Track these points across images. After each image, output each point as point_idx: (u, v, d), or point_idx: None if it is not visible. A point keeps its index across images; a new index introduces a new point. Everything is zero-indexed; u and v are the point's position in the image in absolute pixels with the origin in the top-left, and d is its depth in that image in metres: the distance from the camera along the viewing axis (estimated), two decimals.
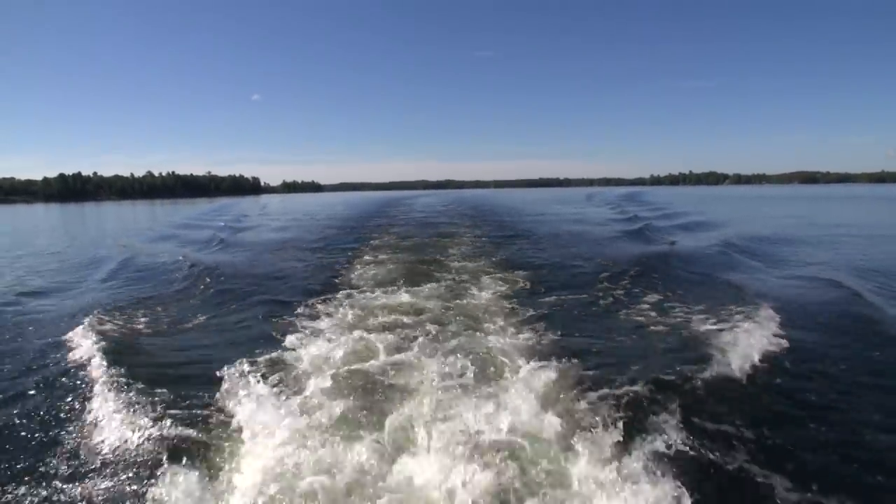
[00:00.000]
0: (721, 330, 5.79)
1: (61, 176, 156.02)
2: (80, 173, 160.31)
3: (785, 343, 5.36)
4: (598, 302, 7.83)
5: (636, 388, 4.32)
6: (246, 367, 5.08)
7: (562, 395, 4.31)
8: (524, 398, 4.23)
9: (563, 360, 5.09)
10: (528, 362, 5.06)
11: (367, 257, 12.41)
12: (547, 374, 4.72)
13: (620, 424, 3.75)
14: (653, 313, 7.05)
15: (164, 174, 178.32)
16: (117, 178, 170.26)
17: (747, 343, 5.20)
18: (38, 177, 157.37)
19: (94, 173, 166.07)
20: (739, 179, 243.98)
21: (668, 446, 3.52)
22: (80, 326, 6.35)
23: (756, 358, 4.90)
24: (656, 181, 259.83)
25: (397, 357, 5.36)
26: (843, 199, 51.70)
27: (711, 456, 3.49)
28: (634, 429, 3.71)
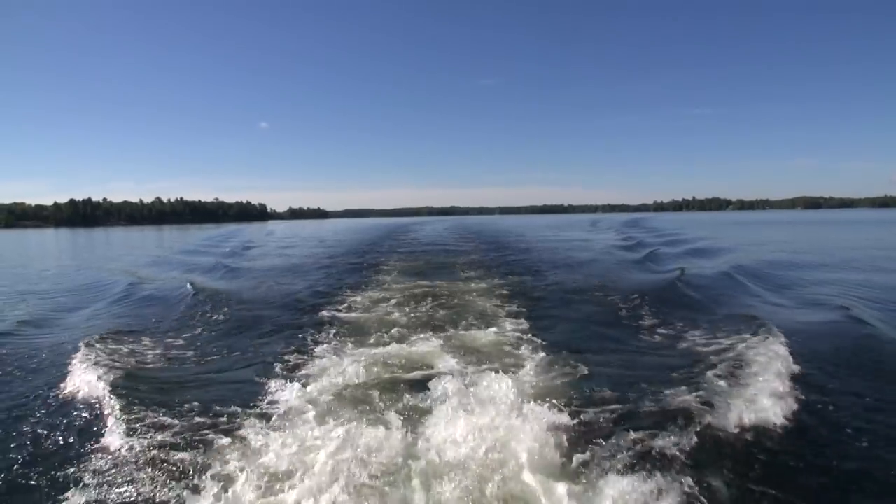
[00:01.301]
0: (732, 359, 5.68)
1: (72, 201, 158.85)
2: (90, 199, 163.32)
3: (797, 373, 5.25)
4: (606, 330, 7.73)
5: (643, 417, 4.24)
6: (250, 394, 5.02)
7: (565, 421, 4.23)
8: (528, 427, 4.14)
9: (569, 387, 5.03)
10: (534, 387, 5.00)
11: (373, 283, 12.39)
12: (552, 400, 4.65)
13: (626, 453, 3.68)
14: (662, 341, 6.96)
15: (172, 200, 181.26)
16: (126, 203, 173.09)
17: (759, 373, 5.09)
18: (45, 201, 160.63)
19: (104, 199, 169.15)
20: (743, 205, 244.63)
21: (675, 479, 3.41)
22: (82, 353, 6.31)
23: (767, 390, 4.77)
24: (660, 207, 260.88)
25: (404, 379, 5.34)
26: (847, 223, 51.66)
27: (718, 487, 3.38)
28: (639, 458, 3.62)
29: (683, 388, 4.87)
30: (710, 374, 5.25)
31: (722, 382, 4.88)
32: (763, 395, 4.65)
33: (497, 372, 5.18)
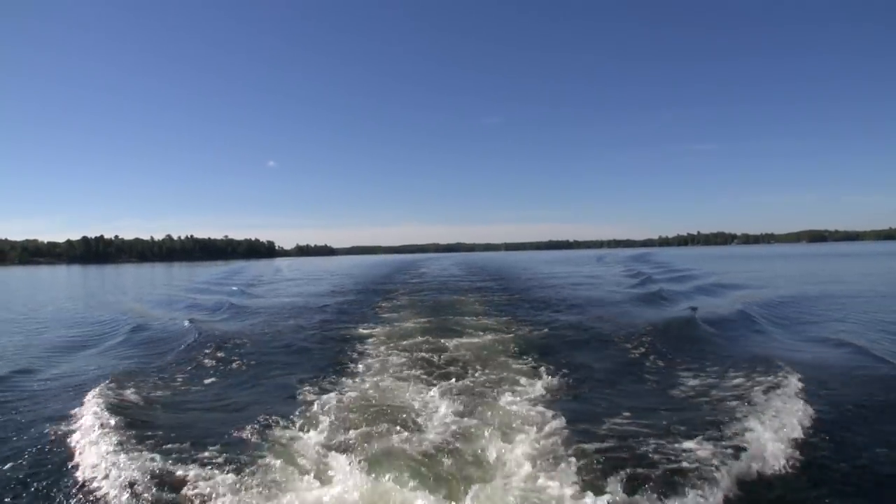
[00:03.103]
0: (747, 402, 5.57)
1: (84, 239, 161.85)
2: (102, 236, 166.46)
3: (815, 415, 5.10)
4: (618, 370, 7.58)
5: (657, 461, 4.17)
6: (256, 438, 4.97)
7: (574, 465, 4.14)
8: (535, 463, 4.17)
9: (581, 427, 4.95)
10: (543, 427, 4.95)
11: (382, 321, 12.30)
12: (561, 441, 4.61)
13: (641, 495, 3.61)
14: (676, 382, 6.78)
15: (182, 238, 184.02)
16: (138, 241, 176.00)
17: (775, 417, 4.97)
18: (55, 237, 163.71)
19: (116, 236, 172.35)
20: (748, 239, 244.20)
21: None
22: (90, 394, 6.25)
23: (785, 434, 4.64)
24: (665, 242, 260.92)
25: (415, 421, 5.25)
26: (854, 255, 51.32)
27: None
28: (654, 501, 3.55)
29: (699, 431, 4.78)
30: (725, 417, 5.15)
31: (739, 425, 4.80)
32: (780, 437, 4.53)
33: (506, 427, 5.13)
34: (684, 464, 4.14)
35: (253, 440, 4.94)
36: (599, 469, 4.11)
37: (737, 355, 7.96)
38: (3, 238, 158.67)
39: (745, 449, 4.32)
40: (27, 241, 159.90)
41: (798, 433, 4.67)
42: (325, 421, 5.35)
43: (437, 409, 5.61)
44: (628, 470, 4.04)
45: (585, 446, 4.54)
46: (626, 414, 5.54)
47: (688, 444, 4.51)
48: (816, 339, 9.41)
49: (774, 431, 4.64)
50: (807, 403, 5.34)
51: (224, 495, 3.85)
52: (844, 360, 7.65)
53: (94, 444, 4.82)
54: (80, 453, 4.72)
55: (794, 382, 5.98)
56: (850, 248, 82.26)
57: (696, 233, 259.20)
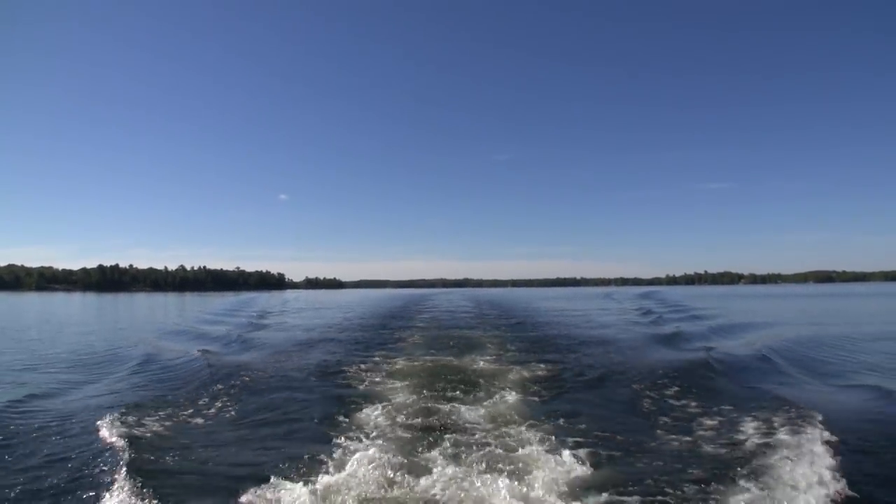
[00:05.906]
0: (769, 447, 5.48)
1: (100, 267, 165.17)
2: (117, 265, 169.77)
3: (840, 464, 4.92)
4: (633, 410, 7.49)
5: None
6: (265, 471, 4.99)
7: None
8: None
9: (597, 471, 4.94)
10: (554, 467, 4.99)
11: (390, 354, 12.31)
12: (577, 482, 4.61)
13: None
14: (694, 428, 6.65)
15: (195, 268, 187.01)
16: (151, 270, 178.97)
17: (797, 461, 4.90)
18: (69, 265, 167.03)
19: (131, 265, 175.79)
20: (755, 279, 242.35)
21: None
22: (101, 427, 6.30)
23: (810, 480, 4.55)
24: (672, 281, 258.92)
25: (427, 456, 5.35)
26: (864, 296, 50.61)
27: None
28: None
29: (724, 480, 4.71)
30: (748, 462, 5.10)
31: (761, 472, 4.75)
32: (803, 484, 4.46)
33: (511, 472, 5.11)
34: None
35: (260, 476, 4.93)
36: None
37: (756, 398, 7.80)
38: (20, 265, 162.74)
39: (767, 495, 4.26)
40: (43, 268, 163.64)
41: (821, 478, 4.55)
42: (331, 461, 5.36)
43: (448, 450, 5.64)
44: None
45: (599, 488, 4.54)
46: (644, 457, 5.48)
47: (707, 496, 4.46)
48: (835, 383, 9.23)
49: (799, 483, 4.52)
50: (828, 447, 5.22)
51: None
52: (864, 401, 7.53)
53: (107, 473, 4.88)
54: (92, 481, 4.77)
55: (814, 427, 5.85)
56: (859, 289, 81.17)
57: (703, 272, 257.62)
